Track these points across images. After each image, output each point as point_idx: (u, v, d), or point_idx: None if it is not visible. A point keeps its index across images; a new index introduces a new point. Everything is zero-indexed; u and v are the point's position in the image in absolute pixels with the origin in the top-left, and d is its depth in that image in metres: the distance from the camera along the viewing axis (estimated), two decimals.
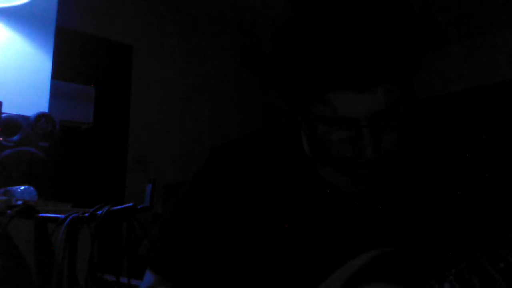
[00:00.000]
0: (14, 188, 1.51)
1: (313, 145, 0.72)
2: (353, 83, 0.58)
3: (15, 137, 1.70)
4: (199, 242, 0.73)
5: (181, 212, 0.76)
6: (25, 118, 1.74)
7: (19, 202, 1.37)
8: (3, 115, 1.70)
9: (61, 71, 2.38)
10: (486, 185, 0.72)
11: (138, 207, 1.21)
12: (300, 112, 0.66)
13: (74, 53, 2.80)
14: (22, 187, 1.51)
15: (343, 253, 0.65)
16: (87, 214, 1.18)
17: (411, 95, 0.63)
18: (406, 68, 0.60)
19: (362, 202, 0.72)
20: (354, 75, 0.58)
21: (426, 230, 0.70)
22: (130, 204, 1.20)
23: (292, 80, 0.62)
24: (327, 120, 0.62)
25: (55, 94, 2.15)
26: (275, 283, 0.66)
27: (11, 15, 2.04)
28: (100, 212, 1.17)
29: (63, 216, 1.20)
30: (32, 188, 1.53)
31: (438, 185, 0.73)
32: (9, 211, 1.31)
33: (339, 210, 0.72)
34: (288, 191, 0.73)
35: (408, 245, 0.67)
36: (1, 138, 1.67)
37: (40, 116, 1.75)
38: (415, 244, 0.67)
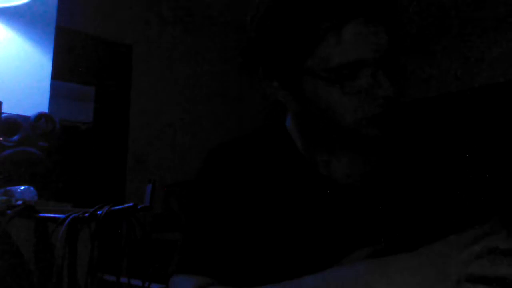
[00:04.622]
0: (14, 188, 1.51)
1: (315, 123, 0.72)
2: (365, 12, 0.61)
3: (15, 137, 1.70)
4: (218, 239, 0.73)
5: (197, 215, 0.76)
6: (25, 118, 1.74)
7: (19, 202, 1.37)
8: (3, 115, 1.70)
9: (61, 71, 2.38)
10: (481, 182, 0.73)
11: (138, 207, 1.21)
12: (299, 80, 0.68)
13: (74, 53, 2.80)
14: (22, 187, 1.51)
15: (339, 246, 0.66)
16: (87, 214, 1.18)
17: (399, 45, 0.65)
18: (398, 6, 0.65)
19: (357, 195, 0.74)
20: (367, 2, 0.61)
21: (419, 223, 0.71)
22: (130, 204, 1.20)
23: (304, 24, 0.63)
24: (339, 70, 0.63)
25: (55, 94, 2.15)
26: (274, 279, 0.66)
27: (11, 15, 2.04)
28: (100, 212, 1.17)
29: (63, 216, 1.20)
30: (32, 188, 1.53)
31: (432, 179, 0.75)
32: (9, 211, 1.31)
33: (336, 203, 0.73)
34: (286, 187, 0.74)
35: (400, 239, 0.68)
36: (1, 138, 1.67)
37: (40, 116, 1.75)
38: (408, 238, 0.68)
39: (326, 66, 0.64)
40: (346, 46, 0.62)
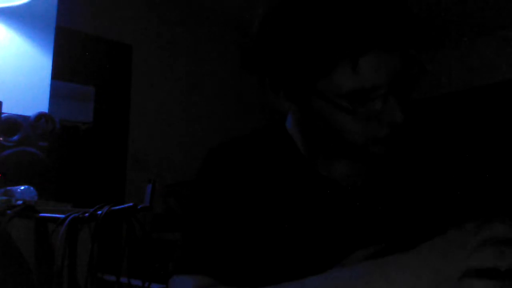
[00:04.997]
0: (14, 188, 1.51)
1: (320, 135, 0.72)
2: (384, 43, 0.60)
3: (15, 137, 1.70)
4: (218, 239, 0.73)
5: (197, 214, 0.76)
6: (25, 118, 1.74)
7: (19, 202, 1.37)
8: (3, 115, 1.70)
9: (61, 71, 2.38)
10: (481, 182, 0.73)
11: (138, 207, 1.21)
12: (308, 98, 0.67)
13: (74, 53, 2.80)
14: (22, 187, 1.51)
15: (340, 246, 0.66)
16: (87, 214, 1.18)
17: (416, 67, 0.65)
18: (416, 30, 0.63)
19: (358, 195, 0.74)
20: (387, 34, 0.60)
21: (419, 223, 0.71)
22: (130, 204, 1.20)
23: (319, 49, 0.62)
24: (351, 96, 0.62)
25: (55, 94, 2.15)
26: (274, 279, 0.66)
27: (11, 15, 2.04)
28: (100, 212, 1.17)
29: (63, 216, 1.20)
30: (32, 188, 1.53)
31: (432, 179, 0.76)
32: (9, 211, 1.31)
33: (337, 203, 0.73)
34: (286, 187, 0.75)
35: (401, 239, 0.68)
36: (1, 138, 1.67)
37: (40, 116, 1.75)
38: (409, 238, 0.68)
39: (338, 92, 0.63)
40: (361, 74, 0.61)
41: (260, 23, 0.69)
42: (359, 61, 0.60)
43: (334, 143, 0.70)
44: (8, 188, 1.52)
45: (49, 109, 2.07)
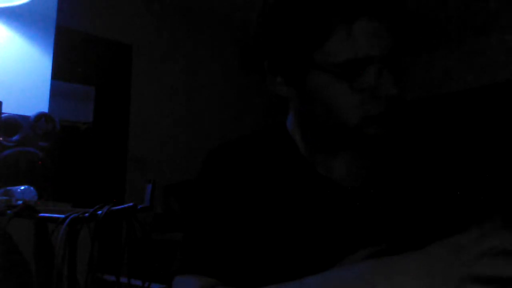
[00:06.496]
0: (14, 188, 1.51)
1: (318, 122, 0.72)
2: (376, 9, 0.62)
3: (15, 137, 1.70)
4: (219, 240, 0.73)
5: (199, 216, 0.76)
6: (25, 118, 1.74)
7: (19, 202, 1.37)
8: (3, 115, 1.70)
9: (61, 71, 2.38)
10: (481, 181, 0.74)
11: (138, 207, 1.21)
12: (304, 77, 0.68)
13: (74, 53, 2.80)
14: (22, 187, 1.51)
15: (340, 247, 0.66)
16: (87, 214, 1.18)
17: (404, 44, 0.67)
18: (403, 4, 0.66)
19: (357, 195, 0.74)
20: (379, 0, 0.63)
21: (419, 223, 0.71)
22: (130, 204, 1.20)
23: (315, 17, 0.64)
24: (346, 65, 0.64)
25: (55, 94, 2.15)
26: (276, 279, 0.66)
27: (11, 15, 2.04)
28: (100, 212, 1.17)
29: (63, 216, 1.20)
30: (32, 188, 1.53)
31: (432, 178, 0.76)
32: (9, 211, 1.31)
33: (336, 203, 0.74)
34: (286, 187, 0.75)
35: (401, 239, 0.68)
36: (1, 138, 1.67)
37: (40, 116, 1.75)
38: (409, 238, 0.68)
39: (333, 61, 0.65)
40: (355, 42, 0.63)
41: (260, 7, 0.71)
42: (352, 27, 0.62)
43: (331, 127, 0.70)
44: (8, 188, 1.52)
45: (49, 109, 2.07)
